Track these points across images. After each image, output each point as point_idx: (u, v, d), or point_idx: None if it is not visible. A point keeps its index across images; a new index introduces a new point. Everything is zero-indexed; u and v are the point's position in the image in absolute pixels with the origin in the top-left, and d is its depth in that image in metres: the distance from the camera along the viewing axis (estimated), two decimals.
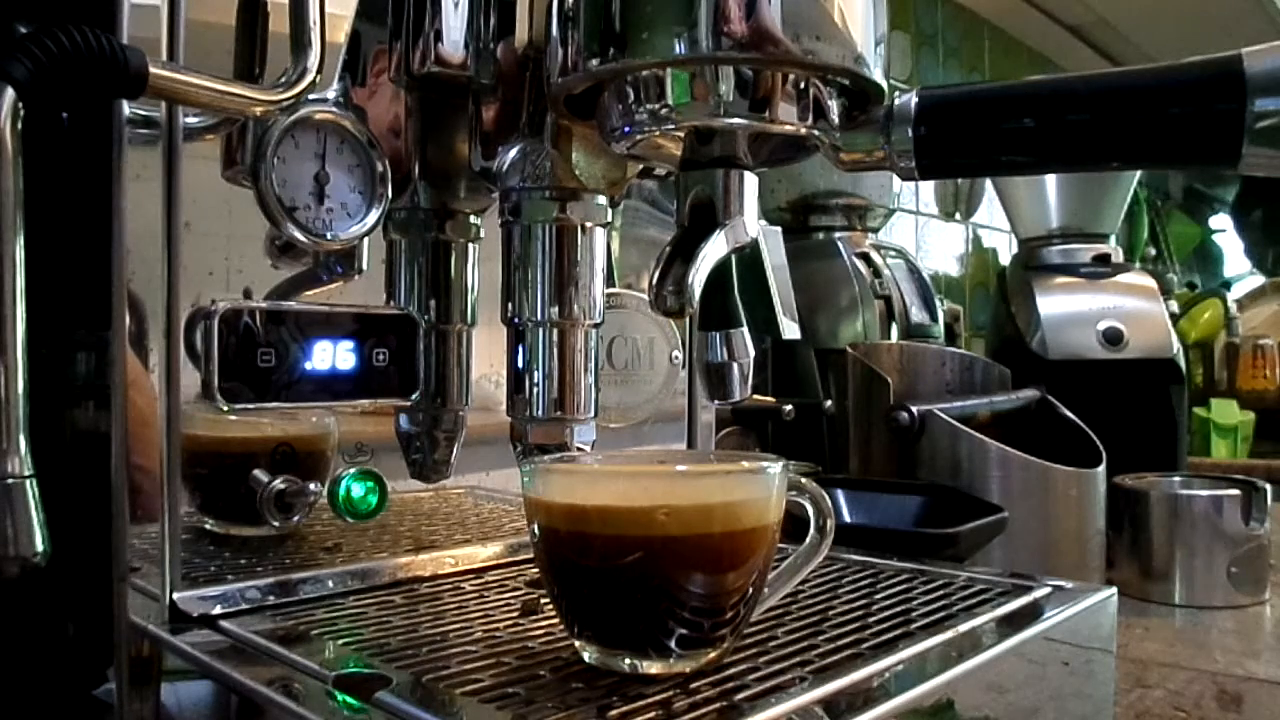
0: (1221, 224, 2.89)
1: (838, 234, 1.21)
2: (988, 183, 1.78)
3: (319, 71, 0.44)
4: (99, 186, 0.45)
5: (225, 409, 0.46)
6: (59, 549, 0.36)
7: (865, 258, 1.17)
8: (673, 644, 0.37)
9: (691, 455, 0.64)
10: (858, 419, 0.97)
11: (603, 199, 0.48)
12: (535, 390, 0.47)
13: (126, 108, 0.44)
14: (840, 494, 0.79)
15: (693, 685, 0.36)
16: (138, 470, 0.45)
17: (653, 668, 0.37)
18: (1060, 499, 0.85)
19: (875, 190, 1.22)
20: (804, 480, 0.41)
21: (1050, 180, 1.41)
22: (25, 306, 0.35)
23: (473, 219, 0.54)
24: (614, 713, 0.34)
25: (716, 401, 0.65)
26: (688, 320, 0.65)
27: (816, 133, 0.41)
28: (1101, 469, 0.87)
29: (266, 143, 0.46)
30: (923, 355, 1.04)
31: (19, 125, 0.34)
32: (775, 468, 0.39)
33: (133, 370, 0.45)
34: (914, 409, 0.87)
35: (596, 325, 0.48)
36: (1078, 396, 0.98)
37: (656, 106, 0.40)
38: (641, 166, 0.50)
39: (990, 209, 1.89)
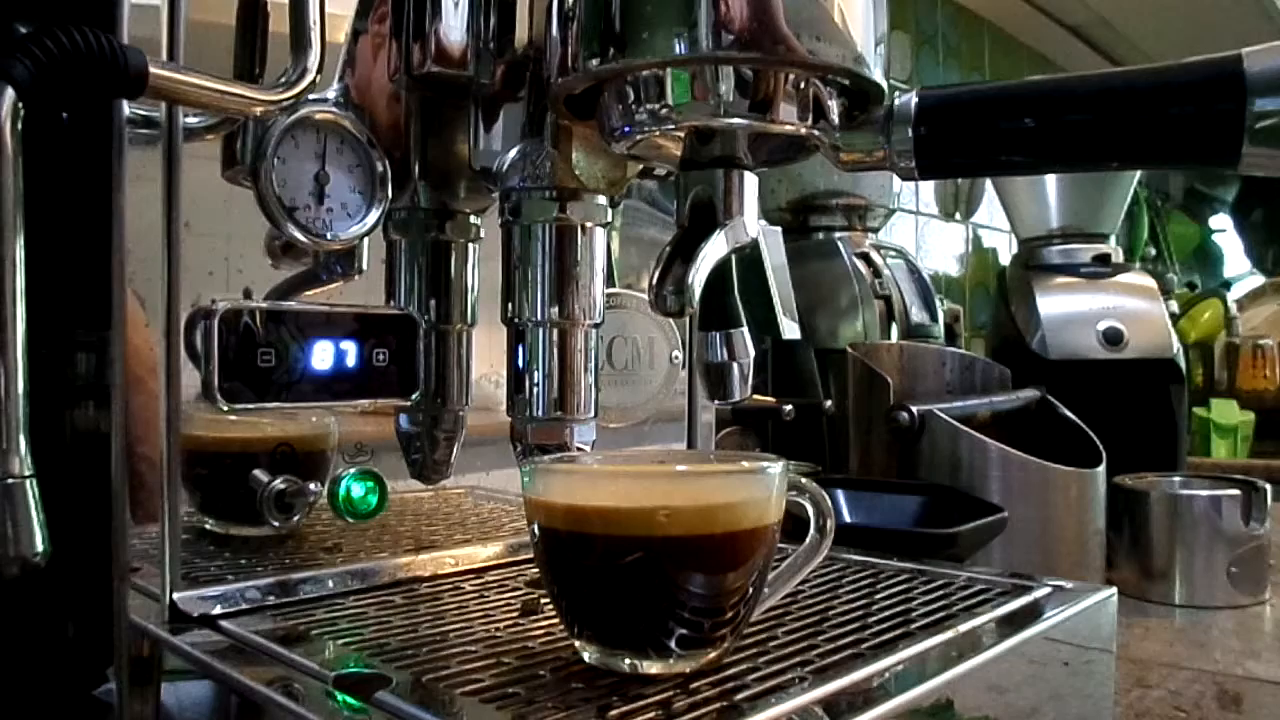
0: (1221, 224, 2.89)
1: (838, 234, 1.21)
2: (988, 183, 1.78)
3: (319, 71, 0.44)
4: (99, 186, 0.45)
5: (225, 409, 0.46)
6: (59, 549, 0.36)
7: (865, 258, 1.17)
8: (673, 644, 0.37)
9: (691, 455, 0.64)
10: (858, 419, 0.97)
11: (603, 199, 0.48)
12: (535, 390, 0.47)
13: (126, 108, 0.44)
14: (840, 494, 0.79)
15: (693, 685, 0.36)
16: (143, 461, 0.45)
17: (653, 668, 0.37)
18: (1060, 499, 0.85)
19: (875, 190, 1.22)
20: (804, 480, 0.41)
21: (1050, 180, 1.41)
22: (25, 306, 0.35)
23: (473, 219, 0.54)
24: (614, 713, 0.34)
25: (716, 401, 0.65)
26: (688, 320, 0.65)
27: (816, 133, 0.41)
28: (1101, 469, 0.87)
29: (266, 143, 0.46)
30: (923, 355, 1.04)
31: (19, 125, 0.35)
32: (775, 468, 0.39)
33: (149, 360, 0.45)
34: (914, 409, 0.87)
35: (596, 325, 0.48)
36: (1078, 396, 0.98)
37: (656, 106, 0.40)
38: (641, 166, 0.50)
39: (990, 209, 1.89)
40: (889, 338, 1.15)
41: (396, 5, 0.48)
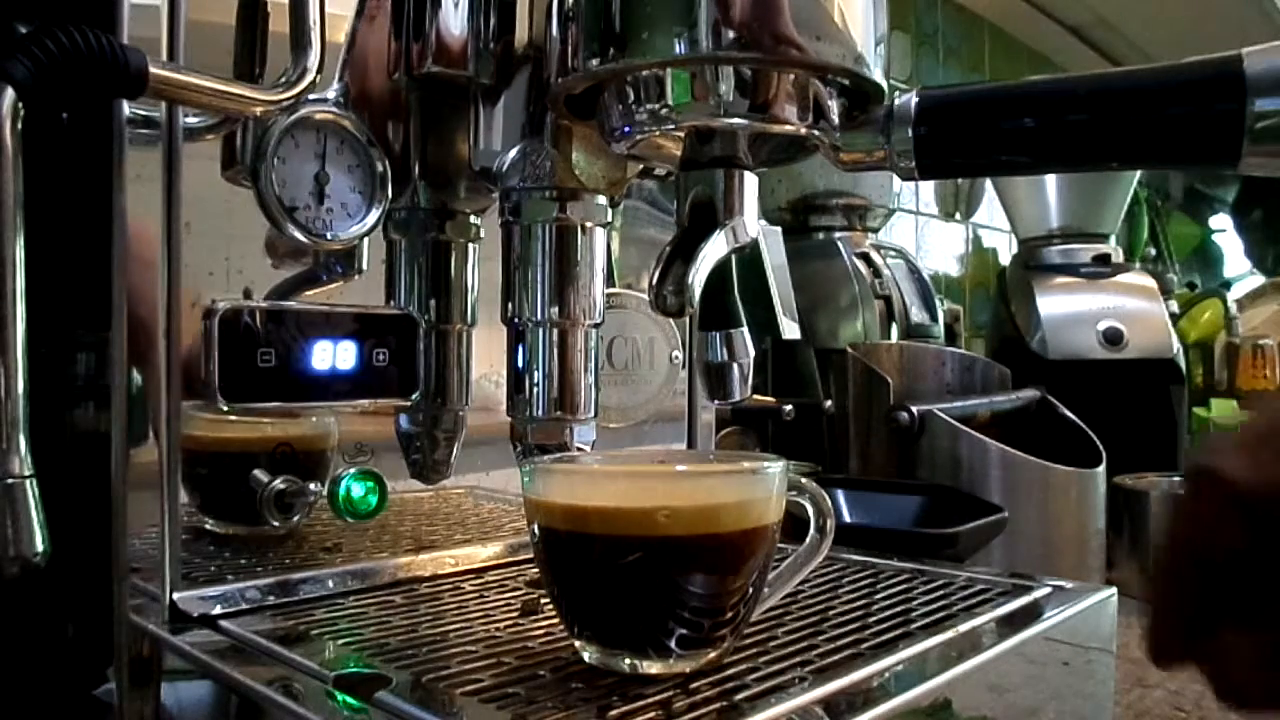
0: (1221, 224, 2.89)
1: (838, 234, 1.21)
2: (988, 183, 1.78)
3: (319, 71, 0.44)
4: (99, 186, 0.45)
5: (225, 409, 0.46)
6: (59, 549, 0.36)
7: (865, 258, 1.17)
8: (673, 644, 0.37)
9: (692, 455, 0.64)
10: (858, 419, 0.97)
11: (603, 199, 0.48)
12: (535, 390, 0.47)
13: (126, 108, 0.44)
14: (840, 494, 0.79)
15: (693, 685, 0.36)
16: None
17: (653, 668, 0.37)
18: (1060, 499, 0.85)
19: (875, 190, 1.22)
20: (804, 480, 0.41)
21: (1050, 180, 1.41)
22: (25, 306, 0.35)
23: (473, 219, 0.54)
24: (614, 713, 0.34)
25: (716, 401, 0.65)
26: (688, 320, 0.65)
27: (816, 133, 0.41)
28: (1101, 469, 0.87)
29: (266, 143, 0.46)
30: (923, 355, 1.04)
31: (19, 125, 0.34)
32: (775, 468, 0.38)
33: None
34: (914, 409, 0.87)
35: (596, 325, 0.48)
36: (1078, 396, 0.98)
37: (656, 106, 0.40)
38: (641, 166, 0.50)
39: (990, 209, 1.89)
40: (889, 338, 1.15)
41: (396, 5, 0.48)
